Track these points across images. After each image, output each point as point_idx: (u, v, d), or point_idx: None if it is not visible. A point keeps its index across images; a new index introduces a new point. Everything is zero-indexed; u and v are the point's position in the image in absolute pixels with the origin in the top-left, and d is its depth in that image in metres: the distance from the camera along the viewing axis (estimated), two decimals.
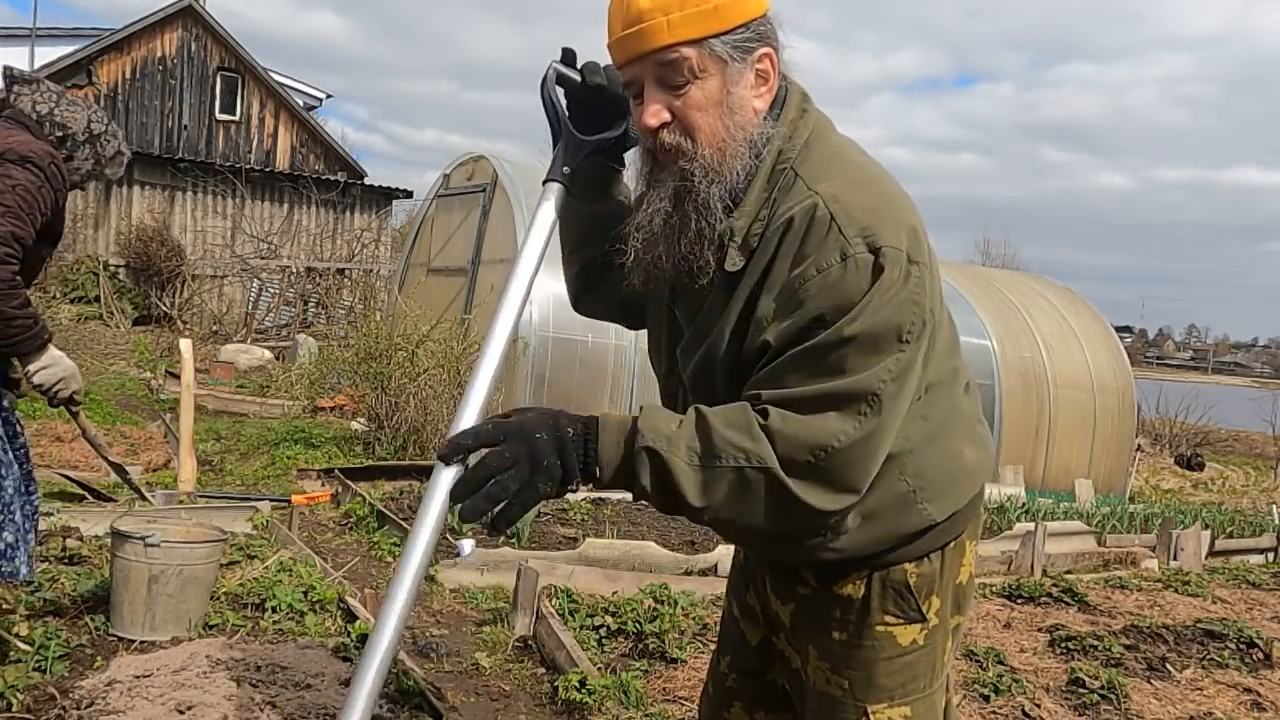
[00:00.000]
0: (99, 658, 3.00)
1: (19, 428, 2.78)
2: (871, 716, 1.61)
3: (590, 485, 1.41)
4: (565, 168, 1.62)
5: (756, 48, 1.46)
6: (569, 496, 6.51)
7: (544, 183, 1.61)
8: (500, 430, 1.37)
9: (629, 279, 1.56)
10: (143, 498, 4.46)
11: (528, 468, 1.34)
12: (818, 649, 1.63)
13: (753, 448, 1.36)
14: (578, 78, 1.63)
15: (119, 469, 3.57)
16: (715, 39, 1.43)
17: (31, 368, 2.67)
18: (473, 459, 1.38)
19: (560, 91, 1.64)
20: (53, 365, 2.70)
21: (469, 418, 1.43)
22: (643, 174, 1.54)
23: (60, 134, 2.80)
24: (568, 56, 1.66)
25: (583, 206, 1.71)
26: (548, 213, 1.59)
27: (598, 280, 1.79)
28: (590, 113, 1.65)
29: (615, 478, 1.38)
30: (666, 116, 1.45)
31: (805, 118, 1.51)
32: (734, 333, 1.48)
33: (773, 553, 1.67)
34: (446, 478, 1.37)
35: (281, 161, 20.57)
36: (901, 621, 1.59)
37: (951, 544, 1.62)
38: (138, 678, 2.78)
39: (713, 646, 3.84)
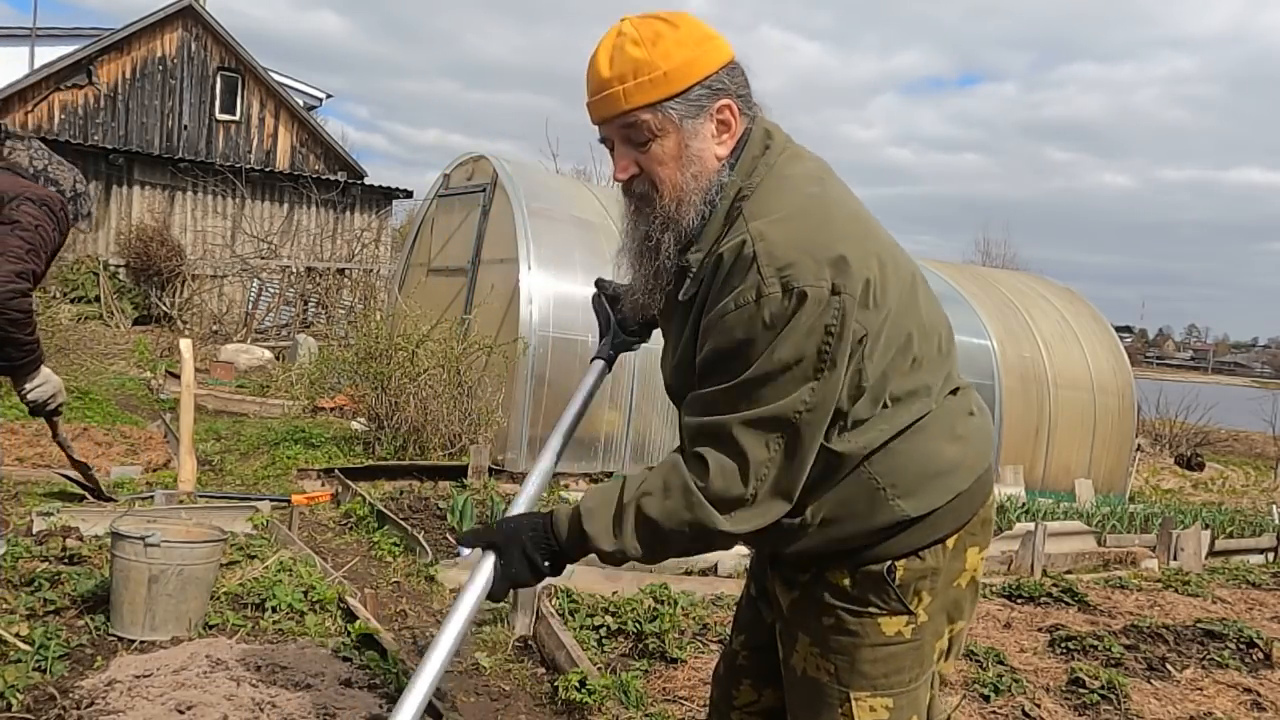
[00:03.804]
0: (99, 658, 3.00)
1: None
2: (854, 703, 1.67)
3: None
4: (611, 351, 2.07)
5: (714, 102, 1.60)
6: (568, 496, 6.52)
7: (592, 360, 2.08)
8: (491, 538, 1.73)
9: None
10: (104, 498, 4.83)
11: (525, 568, 1.69)
12: (809, 634, 1.70)
13: (691, 518, 1.54)
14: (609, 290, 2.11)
15: (83, 467, 4.10)
16: (669, 101, 1.57)
17: (28, 386, 2.92)
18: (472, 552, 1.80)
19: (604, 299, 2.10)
20: (45, 383, 2.97)
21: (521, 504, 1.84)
22: (627, 211, 1.71)
23: (55, 189, 3.07)
24: (603, 287, 2.11)
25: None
26: (591, 379, 2.02)
27: None
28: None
29: (571, 545, 1.66)
30: (634, 170, 1.63)
31: (767, 154, 1.63)
32: (686, 355, 1.64)
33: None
34: (485, 568, 1.76)
35: (281, 161, 20.58)
36: (885, 612, 1.65)
37: (943, 542, 1.66)
38: (138, 678, 2.78)
39: (714, 646, 3.84)
